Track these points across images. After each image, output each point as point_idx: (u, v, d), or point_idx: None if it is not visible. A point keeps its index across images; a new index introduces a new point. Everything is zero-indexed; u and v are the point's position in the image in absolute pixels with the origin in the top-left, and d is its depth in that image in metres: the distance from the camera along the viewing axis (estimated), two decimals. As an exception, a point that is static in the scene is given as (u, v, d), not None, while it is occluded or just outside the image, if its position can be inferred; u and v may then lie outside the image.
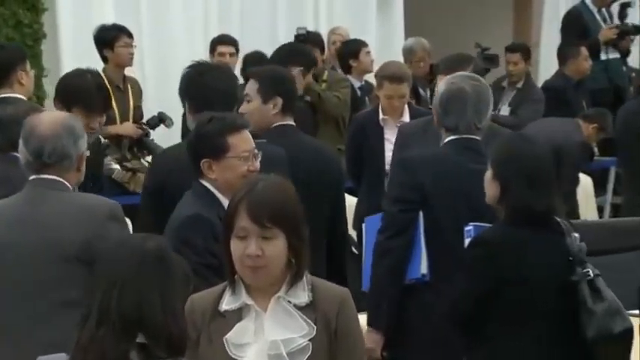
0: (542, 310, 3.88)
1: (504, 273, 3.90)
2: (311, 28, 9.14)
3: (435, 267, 4.39)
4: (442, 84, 4.58)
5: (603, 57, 10.32)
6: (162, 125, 7.82)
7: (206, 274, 3.58)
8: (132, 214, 6.71)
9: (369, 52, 8.91)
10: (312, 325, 3.05)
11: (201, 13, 9.34)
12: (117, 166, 7.42)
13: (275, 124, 4.90)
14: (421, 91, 9.02)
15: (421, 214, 4.39)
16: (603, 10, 10.66)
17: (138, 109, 7.73)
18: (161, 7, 9.24)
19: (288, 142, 4.78)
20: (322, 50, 8.69)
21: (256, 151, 3.98)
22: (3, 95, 5.75)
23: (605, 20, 10.63)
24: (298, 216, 3.07)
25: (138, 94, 7.80)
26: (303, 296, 3.06)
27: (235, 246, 3.02)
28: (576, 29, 10.31)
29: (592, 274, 3.89)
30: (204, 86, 4.63)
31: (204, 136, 3.93)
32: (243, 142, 3.93)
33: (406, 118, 6.69)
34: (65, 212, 3.76)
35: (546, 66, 11.08)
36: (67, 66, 8.37)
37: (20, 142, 3.85)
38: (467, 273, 4.01)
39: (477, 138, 4.45)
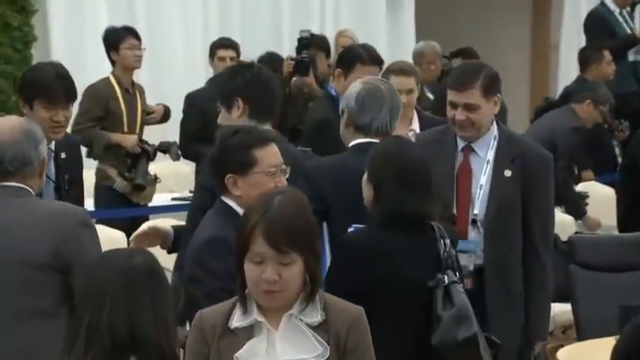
0: (406, 313, 3.85)
1: (369, 275, 3.85)
2: (316, 31, 8.87)
3: None
4: (356, 83, 4.65)
5: (631, 58, 9.85)
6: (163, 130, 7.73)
7: (225, 299, 3.38)
8: (135, 226, 6.49)
9: None
10: (326, 345, 3.00)
11: (199, 16, 9.20)
12: (118, 177, 7.30)
13: None
14: (431, 96, 8.61)
15: (325, 224, 4.36)
16: (624, 11, 10.29)
17: (144, 114, 7.60)
18: (157, 9, 9.05)
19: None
20: (328, 54, 8.39)
21: (284, 166, 3.85)
22: None
23: (626, 21, 10.26)
24: (315, 235, 3.03)
25: (144, 99, 7.66)
26: (316, 315, 3.01)
27: (250, 270, 2.96)
28: (602, 31, 9.88)
29: (447, 281, 3.92)
30: (270, 93, 4.52)
31: (229, 150, 3.80)
32: (270, 156, 3.80)
33: (415, 125, 6.22)
34: (33, 219, 3.68)
35: (567, 69, 10.83)
36: None
37: None
38: (332, 273, 3.98)
39: None
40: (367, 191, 4.06)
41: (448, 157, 4.67)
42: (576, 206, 7.85)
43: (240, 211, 3.73)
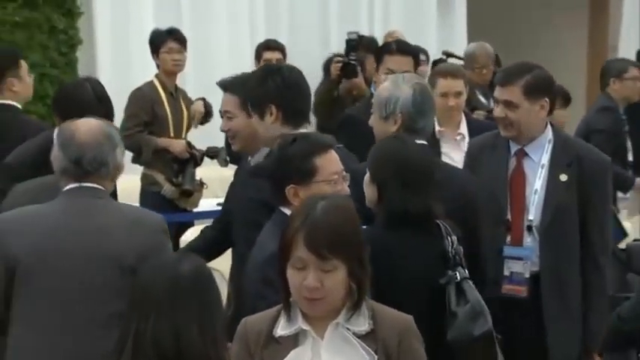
0: (414, 311, 3.66)
1: (375, 275, 3.69)
2: (365, 32, 8.79)
3: None
4: (399, 86, 4.44)
5: None
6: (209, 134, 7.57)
7: None
8: (181, 232, 6.63)
9: (421, 61, 8.22)
10: (373, 355, 2.96)
11: (246, 18, 9.13)
12: (166, 182, 7.21)
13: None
14: (483, 99, 8.41)
15: None
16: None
17: (189, 118, 7.48)
18: (204, 11, 8.97)
19: None
20: None
21: (344, 172, 3.76)
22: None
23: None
24: (360, 241, 2.98)
25: (187, 104, 7.54)
26: (363, 324, 2.97)
27: (293, 276, 2.93)
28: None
29: (459, 277, 3.90)
30: (303, 95, 4.41)
31: (289, 159, 3.70)
32: (331, 163, 3.71)
33: (463, 129, 6.10)
34: (119, 222, 3.75)
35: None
36: (104, 74, 8.27)
37: (55, 147, 3.83)
38: None
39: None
40: (370, 191, 4.01)
41: (500, 162, 4.62)
42: (623, 179, 7.64)
43: None
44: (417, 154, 4.03)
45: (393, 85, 4.49)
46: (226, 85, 4.68)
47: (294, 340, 2.97)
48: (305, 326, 2.97)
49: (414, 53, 6.07)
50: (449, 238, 3.94)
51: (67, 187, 3.79)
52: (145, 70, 7.85)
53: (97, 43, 8.50)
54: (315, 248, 2.88)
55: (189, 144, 7.30)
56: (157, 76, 7.30)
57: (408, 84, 4.48)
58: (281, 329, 2.99)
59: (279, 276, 2.97)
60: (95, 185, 3.79)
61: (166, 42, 7.29)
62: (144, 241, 3.70)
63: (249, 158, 4.65)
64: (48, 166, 3.96)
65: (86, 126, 3.85)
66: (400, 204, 3.91)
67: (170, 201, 7.23)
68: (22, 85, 5.78)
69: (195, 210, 7.38)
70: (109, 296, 3.68)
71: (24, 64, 5.93)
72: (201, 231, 5.01)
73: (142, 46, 7.67)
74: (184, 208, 7.29)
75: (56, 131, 3.95)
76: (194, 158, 7.25)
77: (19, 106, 5.83)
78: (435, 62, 8.05)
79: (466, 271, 3.93)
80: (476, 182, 4.48)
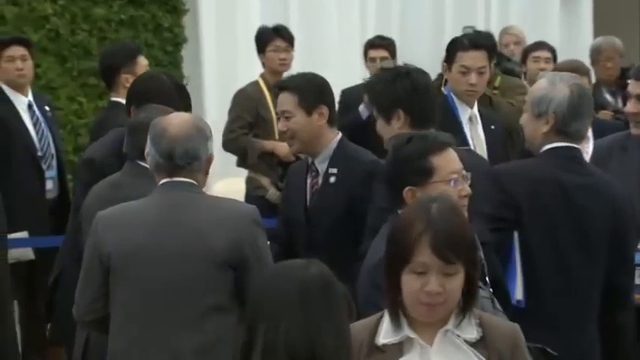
0: None
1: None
2: (481, 27, 8.64)
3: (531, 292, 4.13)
4: (556, 85, 4.23)
5: None
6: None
7: None
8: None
9: (537, 58, 7.94)
10: None
11: (356, 13, 9.00)
12: (271, 186, 7.08)
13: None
14: (608, 97, 7.96)
15: (516, 234, 4.11)
16: None
17: None
18: (313, 8, 8.86)
19: None
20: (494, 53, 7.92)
21: (464, 172, 3.67)
22: (113, 99, 5.89)
23: None
24: (476, 243, 2.99)
25: None
26: (472, 331, 2.93)
27: (410, 281, 2.89)
28: None
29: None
30: (431, 100, 4.43)
31: (406, 160, 3.63)
32: (449, 162, 3.62)
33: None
34: (212, 216, 3.80)
35: None
36: (210, 73, 8.33)
37: (148, 143, 3.87)
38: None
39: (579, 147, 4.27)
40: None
41: (632, 164, 4.54)
42: None
43: None
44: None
45: (549, 84, 4.31)
46: (283, 85, 4.73)
47: (399, 349, 2.92)
48: (412, 334, 2.92)
49: (489, 47, 5.81)
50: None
51: (161, 182, 3.84)
52: (252, 69, 7.73)
53: (202, 42, 8.41)
54: (441, 252, 2.85)
55: None
56: (262, 75, 7.19)
57: (566, 84, 4.28)
58: (384, 337, 2.94)
59: (388, 281, 2.93)
60: (187, 180, 3.82)
61: (273, 40, 7.16)
62: (235, 234, 3.75)
63: (310, 161, 4.66)
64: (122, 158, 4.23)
65: (177, 120, 3.87)
66: None
67: (275, 206, 6.91)
68: None
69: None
70: (203, 291, 3.73)
71: (142, 61, 5.97)
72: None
73: (249, 44, 7.61)
74: None
75: (195, 116, 3.99)
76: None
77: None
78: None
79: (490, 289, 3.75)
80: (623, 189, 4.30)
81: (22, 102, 6.35)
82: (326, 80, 4.78)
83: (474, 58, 5.55)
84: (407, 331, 2.92)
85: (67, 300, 4.06)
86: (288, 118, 4.64)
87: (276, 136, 7.01)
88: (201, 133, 3.84)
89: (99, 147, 4.83)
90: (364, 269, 3.64)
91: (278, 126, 4.70)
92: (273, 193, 7.01)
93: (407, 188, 3.61)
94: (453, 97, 5.59)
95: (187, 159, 3.80)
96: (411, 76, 4.38)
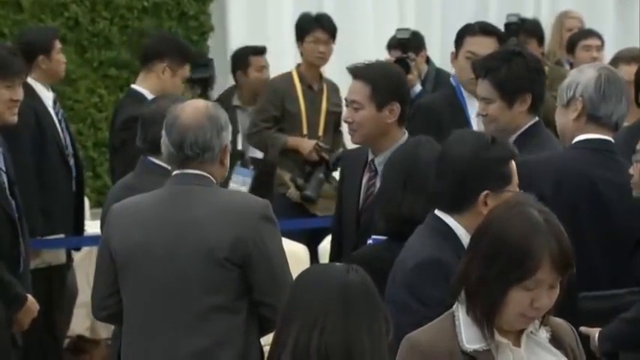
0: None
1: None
2: (529, 15, 8.26)
3: None
4: (583, 71, 4.23)
5: None
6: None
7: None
8: (317, 239, 6.31)
9: (588, 47, 7.67)
10: (565, 359, 2.96)
11: (394, 6, 8.77)
12: (292, 184, 6.80)
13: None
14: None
15: None
16: None
17: (331, 115, 6.97)
18: None
19: None
20: (541, 41, 7.71)
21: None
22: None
23: None
24: None
25: (334, 98, 7.03)
26: (542, 331, 2.95)
27: (521, 298, 2.85)
28: None
29: None
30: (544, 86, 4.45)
31: (487, 163, 3.56)
32: (516, 173, 3.63)
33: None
34: (215, 212, 3.74)
35: None
36: None
37: (163, 133, 3.82)
38: None
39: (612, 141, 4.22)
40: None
41: None
42: None
43: (461, 232, 3.53)
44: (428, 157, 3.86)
45: (576, 71, 4.35)
46: (358, 73, 4.52)
47: (489, 354, 2.90)
48: (502, 339, 2.90)
49: (499, 33, 5.59)
50: None
51: (173, 174, 3.81)
52: (282, 59, 7.55)
53: (229, 31, 8.27)
54: (565, 269, 2.84)
55: (319, 145, 6.72)
56: (297, 67, 6.86)
57: (594, 68, 4.27)
58: (470, 343, 2.90)
59: (487, 294, 2.85)
60: (197, 172, 3.75)
61: (314, 30, 6.83)
62: (238, 229, 3.68)
63: (371, 158, 4.51)
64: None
65: (189, 108, 3.81)
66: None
67: (296, 205, 6.69)
68: (51, 63, 5.82)
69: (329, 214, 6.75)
70: (205, 289, 3.68)
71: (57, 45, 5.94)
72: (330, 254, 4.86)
73: (280, 34, 7.52)
74: (314, 214, 6.70)
75: (210, 105, 3.94)
76: (325, 162, 6.70)
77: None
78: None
79: None
80: None
81: (48, 97, 6.00)
82: (404, 74, 4.69)
83: (482, 44, 5.29)
84: (496, 336, 2.90)
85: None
86: (356, 110, 4.50)
87: (304, 131, 6.80)
88: (215, 121, 3.75)
89: None
90: (402, 268, 3.56)
91: (342, 115, 4.62)
92: (292, 192, 6.74)
93: (484, 192, 3.53)
94: (462, 89, 5.37)
95: (197, 149, 3.73)
96: (525, 55, 4.38)
